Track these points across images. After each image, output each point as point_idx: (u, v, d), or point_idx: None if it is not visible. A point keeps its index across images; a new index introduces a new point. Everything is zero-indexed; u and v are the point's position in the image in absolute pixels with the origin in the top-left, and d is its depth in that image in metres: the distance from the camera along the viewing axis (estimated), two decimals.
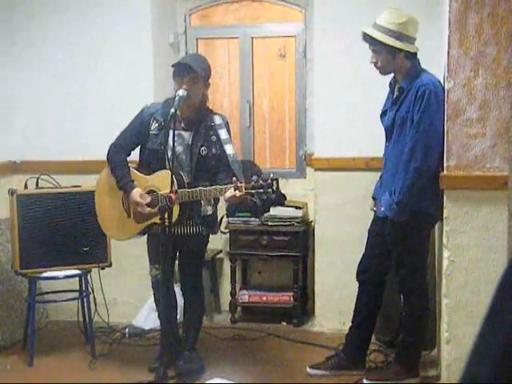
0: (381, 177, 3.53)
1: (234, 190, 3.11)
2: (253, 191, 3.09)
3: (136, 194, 3.37)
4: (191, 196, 3.25)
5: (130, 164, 3.54)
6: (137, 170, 3.51)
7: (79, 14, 4.52)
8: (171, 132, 3.26)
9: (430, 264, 3.66)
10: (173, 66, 3.42)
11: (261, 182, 3.08)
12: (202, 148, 3.43)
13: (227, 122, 3.54)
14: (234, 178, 3.14)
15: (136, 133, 3.49)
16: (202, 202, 3.46)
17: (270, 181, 3.08)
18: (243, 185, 3.11)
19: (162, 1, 4.71)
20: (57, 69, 4.58)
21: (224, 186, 3.18)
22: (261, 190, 3.08)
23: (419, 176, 3.17)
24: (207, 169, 3.43)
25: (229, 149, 3.38)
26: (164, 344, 3.60)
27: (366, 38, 3.29)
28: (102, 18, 4.51)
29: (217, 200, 3.55)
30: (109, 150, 3.53)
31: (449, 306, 3.09)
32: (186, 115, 3.44)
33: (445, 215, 3.06)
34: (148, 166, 3.46)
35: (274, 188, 3.08)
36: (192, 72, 3.33)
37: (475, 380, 0.77)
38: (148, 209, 3.36)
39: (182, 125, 3.44)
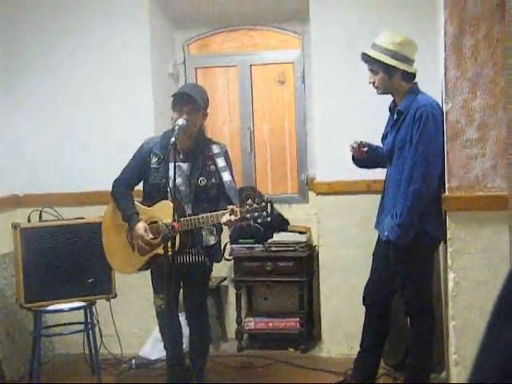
0: (380, 204, 3.53)
1: (230, 214, 3.12)
2: (248, 215, 3.11)
3: (141, 227, 3.37)
4: (190, 224, 3.26)
5: (134, 196, 3.56)
6: (141, 203, 3.52)
7: (77, 45, 4.57)
8: (171, 164, 3.27)
9: (436, 286, 3.65)
10: (173, 96, 3.44)
11: (255, 205, 3.10)
12: (201, 178, 3.43)
13: (226, 151, 3.54)
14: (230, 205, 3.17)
15: (137, 169, 3.52)
16: (204, 232, 3.46)
17: (264, 204, 3.09)
18: (238, 209, 3.12)
19: (161, 31, 4.77)
20: (57, 102, 4.61)
21: (221, 212, 3.19)
22: (256, 214, 3.09)
23: (419, 198, 3.18)
24: (208, 199, 3.43)
25: (225, 176, 3.39)
26: (170, 374, 3.58)
27: (364, 57, 3.34)
28: (101, 48, 4.55)
29: (219, 229, 3.55)
30: (112, 186, 3.56)
31: (456, 327, 3.07)
32: (184, 146, 3.44)
33: (448, 236, 3.06)
34: (151, 199, 3.46)
35: (269, 211, 3.09)
36: (192, 101, 3.36)
37: None
38: (150, 242, 3.36)
39: (181, 156, 3.44)
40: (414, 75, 3.33)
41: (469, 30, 2.97)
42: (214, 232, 3.50)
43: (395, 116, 3.37)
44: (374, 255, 3.56)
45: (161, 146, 3.45)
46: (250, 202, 3.12)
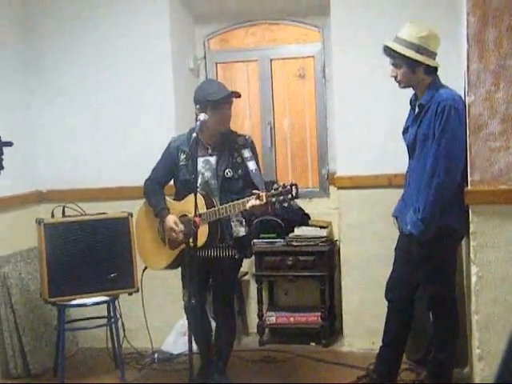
0: (403, 195, 3.50)
1: (255, 199, 3.16)
2: (273, 199, 3.13)
3: (170, 219, 3.45)
4: (216, 214, 3.31)
5: (166, 192, 3.62)
6: (173, 200, 3.59)
7: (99, 42, 4.60)
8: (198, 159, 3.34)
9: (459, 280, 3.62)
10: (220, 99, 3.37)
11: (280, 189, 3.13)
12: (227, 170, 3.48)
13: (252, 142, 3.60)
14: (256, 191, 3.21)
15: (167, 167, 3.60)
16: (233, 224, 3.49)
17: (288, 187, 3.12)
18: (264, 194, 3.15)
19: (181, 27, 4.78)
20: (80, 99, 4.65)
21: (246, 199, 3.23)
22: (281, 197, 3.12)
23: (442, 192, 3.15)
24: (236, 190, 3.47)
25: (251, 165, 3.45)
26: (199, 368, 3.62)
27: (387, 50, 3.29)
28: (122, 45, 4.58)
29: (249, 220, 3.58)
30: (144, 186, 3.65)
31: (479, 322, 3.05)
32: (211, 141, 3.51)
33: (471, 230, 3.03)
34: (183, 195, 3.52)
35: (294, 194, 3.12)
36: (231, 102, 3.45)
37: None
38: (181, 234, 3.42)
39: (209, 151, 3.51)
40: (436, 69, 3.30)
41: (491, 22, 2.93)
42: (244, 223, 3.54)
43: (417, 109, 3.34)
44: (396, 249, 3.54)
45: (188, 143, 3.49)
46: (275, 186, 3.16)
